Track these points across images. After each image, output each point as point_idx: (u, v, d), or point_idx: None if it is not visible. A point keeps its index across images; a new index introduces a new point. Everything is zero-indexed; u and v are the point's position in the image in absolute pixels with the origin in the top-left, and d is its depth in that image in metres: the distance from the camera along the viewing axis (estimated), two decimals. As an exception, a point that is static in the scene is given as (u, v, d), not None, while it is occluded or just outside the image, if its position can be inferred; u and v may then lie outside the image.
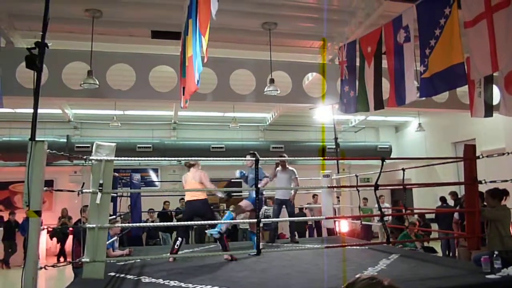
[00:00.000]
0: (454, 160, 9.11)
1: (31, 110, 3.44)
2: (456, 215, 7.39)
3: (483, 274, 4.07)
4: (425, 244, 8.09)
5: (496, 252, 4.22)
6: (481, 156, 4.97)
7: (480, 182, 4.86)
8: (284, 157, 7.23)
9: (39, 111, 3.47)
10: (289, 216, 7.34)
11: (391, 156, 14.15)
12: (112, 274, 4.68)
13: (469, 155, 4.93)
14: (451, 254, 8.66)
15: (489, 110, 6.85)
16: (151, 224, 7.53)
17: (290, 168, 7.31)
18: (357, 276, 1.31)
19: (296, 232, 8.01)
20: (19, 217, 10.25)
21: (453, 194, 9.07)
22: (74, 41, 8.01)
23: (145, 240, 10.11)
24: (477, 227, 4.73)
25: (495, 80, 7.01)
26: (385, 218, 5.60)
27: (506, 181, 5.06)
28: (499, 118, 8.14)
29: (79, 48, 7.72)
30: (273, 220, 7.16)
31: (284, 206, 7.30)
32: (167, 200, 11.28)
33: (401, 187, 6.99)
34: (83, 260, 3.77)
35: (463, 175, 5.02)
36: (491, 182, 4.97)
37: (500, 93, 7.02)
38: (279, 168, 7.29)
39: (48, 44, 3.48)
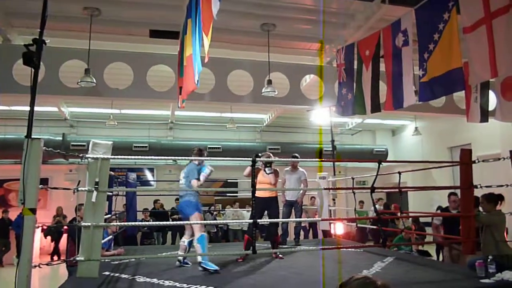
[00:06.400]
0: (451, 164, 9.15)
1: (27, 108, 3.41)
2: (435, 220, 7.35)
3: (478, 278, 4.08)
4: (420, 247, 8.09)
5: (490, 257, 4.24)
6: (477, 161, 4.99)
7: (476, 187, 4.88)
8: (297, 157, 7.14)
9: (35, 108, 3.43)
10: (296, 218, 7.16)
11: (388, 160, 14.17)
12: (107, 273, 4.66)
13: (466, 160, 4.95)
14: (437, 258, 8.63)
15: (485, 115, 6.88)
16: (149, 223, 7.49)
17: (301, 169, 7.11)
18: (351, 276, 1.31)
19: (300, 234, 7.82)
20: (13, 215, 10.16)
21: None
22: (72, 39, 7.96)
23: (140, 240, 10.06)
24: (472, 231, 4.75)
25: (492, 85, 7.04)
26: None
27: (501, 186, 5.08)
28: (495, 123, 8.17)
29: (76, 46, 7.68)
30: (283, 221, 6.96)
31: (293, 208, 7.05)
32: (157, 199, 11.22)
33: (397, 190, 6.99)
34: (77, 258, 3.75)
35: (459, 179, 5.04)
36: (486, 187, 4.98)
37: (496, 98, 7.06)
38: (288, 169, 7.19)
39: (46, 41, 3.46)
